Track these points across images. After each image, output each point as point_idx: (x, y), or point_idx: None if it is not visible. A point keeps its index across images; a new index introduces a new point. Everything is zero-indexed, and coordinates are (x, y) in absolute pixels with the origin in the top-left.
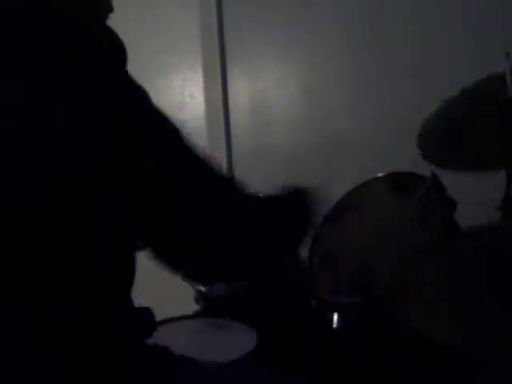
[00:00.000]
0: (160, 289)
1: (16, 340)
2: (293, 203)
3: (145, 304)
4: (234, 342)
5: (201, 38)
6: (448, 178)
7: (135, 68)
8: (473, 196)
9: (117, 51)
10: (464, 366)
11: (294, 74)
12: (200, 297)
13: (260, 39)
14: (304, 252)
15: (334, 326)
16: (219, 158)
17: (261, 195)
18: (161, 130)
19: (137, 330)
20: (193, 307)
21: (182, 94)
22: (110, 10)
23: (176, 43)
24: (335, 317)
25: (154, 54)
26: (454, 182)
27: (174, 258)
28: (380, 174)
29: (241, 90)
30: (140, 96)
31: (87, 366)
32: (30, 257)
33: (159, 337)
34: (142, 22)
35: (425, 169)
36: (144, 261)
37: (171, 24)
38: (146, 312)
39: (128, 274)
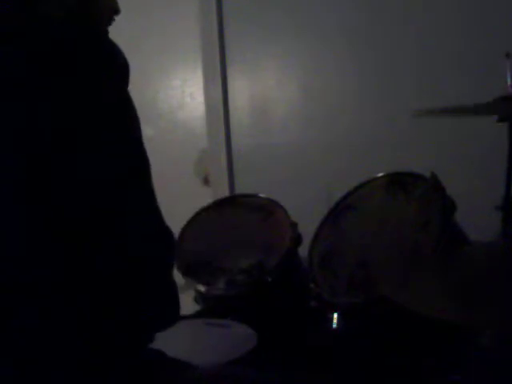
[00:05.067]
0: None
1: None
2: None
3: None
4: (234, 342)
5: (201, 38)
6: (448, 178)
7: (135, 68)
8: (473, 196)
9: (116, 68)
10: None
11: (294, 74)
12: (200, 297)
13: (260, 39)
14: (304, 252)
15: (334, 325)
16: (219, 158)
17: None
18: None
19: (133, 342)
20: (193, 307)
21: (182, 94)
22: (117, 11)
23: (176, 43)
24: (335, 317)
25: (153, 54)
26: (454, 182)
27: None
28: (380, 174)
29: (241, 90)
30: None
31: (85, 368)
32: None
33: (159, 337)
34: (141, 22)
35: (425, 169)
36: None
37: (171, 24)
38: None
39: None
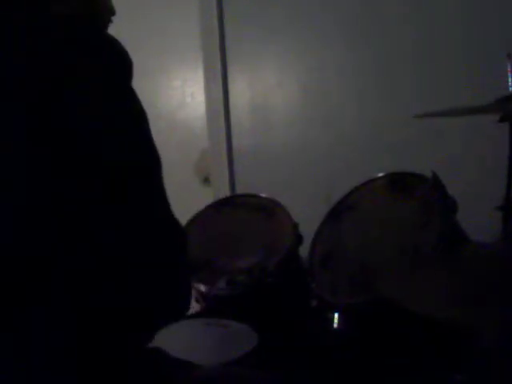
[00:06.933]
0: None
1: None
2: None
3: None
4: (234, 341)
5: (201, 38)
6: (448, 178)
7: (135, 68)
8: (473, 196)
9: (119, 64)
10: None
11: (294, 74)
12: (200, 297)
13: (260, 39)
14: (304, 252)
15: (334, 325)
16: (219, 158)
17: None
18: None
19: (133, 342)
20: (193, 307)
21: (182, 94)
22: (113, 12)
23: (176, 43)
24: (335, 317)
25: (154, 54)
26: (454, 182)
27: None
28: (380, 174)
29: (241, 90)
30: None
31: (86, 370)
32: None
33: (159, 337)
34: (142, 22)
35: (425, 169)
36: None
37: (171, 24)
38: None
39: None
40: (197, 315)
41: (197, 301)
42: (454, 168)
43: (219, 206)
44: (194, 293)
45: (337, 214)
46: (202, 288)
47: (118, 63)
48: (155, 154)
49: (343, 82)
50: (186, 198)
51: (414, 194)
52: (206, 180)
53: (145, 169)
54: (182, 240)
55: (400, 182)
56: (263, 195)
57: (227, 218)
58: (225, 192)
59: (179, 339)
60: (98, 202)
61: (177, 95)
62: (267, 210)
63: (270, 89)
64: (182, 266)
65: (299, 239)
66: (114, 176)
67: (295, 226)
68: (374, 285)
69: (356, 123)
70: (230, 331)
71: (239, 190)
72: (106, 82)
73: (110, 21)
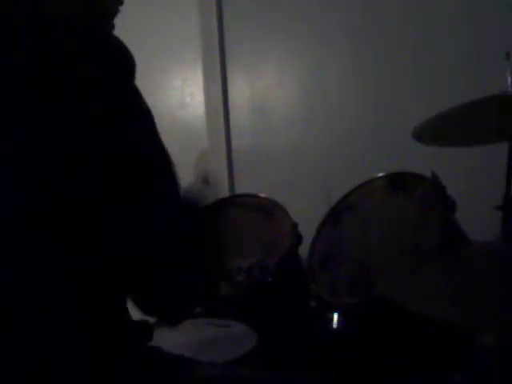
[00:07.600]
0: None
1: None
2: None
3: None
4: (234, 341)
5: (201, 38)
6: (448, 178)
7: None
8: (473, 196)
9: (120, 63)
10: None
11: (294, 74)
12: None
13: (260, 39)
14: (304, 252)
15: (334, 325)
16: (219, 158)
17: None
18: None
19: (133, 342)
20: None
21: (182, 94)
22: (120, 2)
23: (176, 43)
24: (335, 317)
25: (154, 54)
26: (454, 182)
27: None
28: (380, 174)
29: (241, 90)
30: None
31: (86, 370)
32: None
33: (159, 337)
34: (142, 22)
35: (425, 169)
36: None
37: (171, 24)
38: (143, 325)
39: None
40: (197, 315)
41: None
42: (454, 168)
43: (219, 205)
44: None
45: (337, 213)
46: None
47: (119, 62)
48: (161, 151)
49: (343, 82)
50: None
51: (414, 193)
52: (206, 180)
53: (149, 166)
54: (193, 236)
55: (400, 182)
56: (262, 195)
57: (227, 218)
58: (224, 192)
59: (179, 339)
60: (98, 201)
61: (176, 95)
62: (266, 209)
63: (270, 89)
64: (190, 265)
65: (298, 239)
66: (116, 175)
67: (294, 225)
68: (373, 285)
69: (356, 123)
70: (229, 331)
71: (238, 190)
72: (107, 81)
73: (117, 11)
